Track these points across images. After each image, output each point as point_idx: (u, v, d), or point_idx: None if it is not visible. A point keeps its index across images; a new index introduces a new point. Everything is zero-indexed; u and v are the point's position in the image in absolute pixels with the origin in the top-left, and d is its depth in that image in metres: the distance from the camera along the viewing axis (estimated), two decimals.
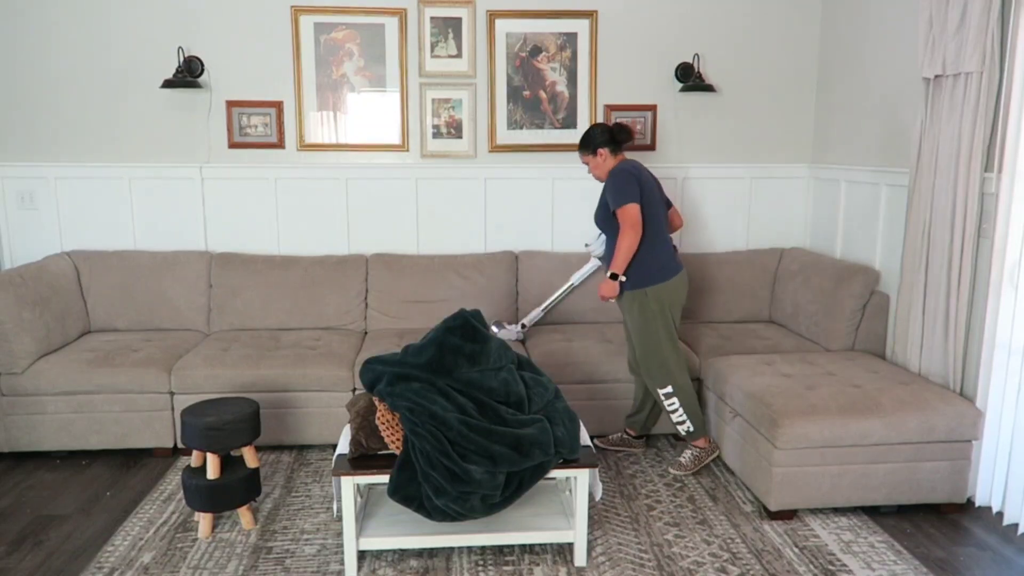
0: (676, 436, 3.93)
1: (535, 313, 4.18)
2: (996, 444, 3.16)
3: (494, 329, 4.02)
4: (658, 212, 3.45)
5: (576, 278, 4.18)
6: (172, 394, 3.66)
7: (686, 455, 3.57)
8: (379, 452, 2.73)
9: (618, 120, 3.62)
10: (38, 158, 4.31)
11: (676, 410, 3.48)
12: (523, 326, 4.11)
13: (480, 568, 2.79)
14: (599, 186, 4.51)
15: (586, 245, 4.03)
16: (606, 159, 3.49)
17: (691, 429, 3.51)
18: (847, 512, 3.17)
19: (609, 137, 3.47)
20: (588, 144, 3.51)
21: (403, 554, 2.86)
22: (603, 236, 3.67)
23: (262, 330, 4.17)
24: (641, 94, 4.52)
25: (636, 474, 3.54)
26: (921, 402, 3.07)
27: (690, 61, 4.46)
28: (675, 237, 3.88)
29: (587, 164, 3.57)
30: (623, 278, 3.39)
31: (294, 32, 4.29)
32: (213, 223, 4.43)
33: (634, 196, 3.31)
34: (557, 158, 4.53)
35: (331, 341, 3.96)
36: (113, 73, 4.26)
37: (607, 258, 3.50)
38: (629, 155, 4.46)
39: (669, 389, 3.46)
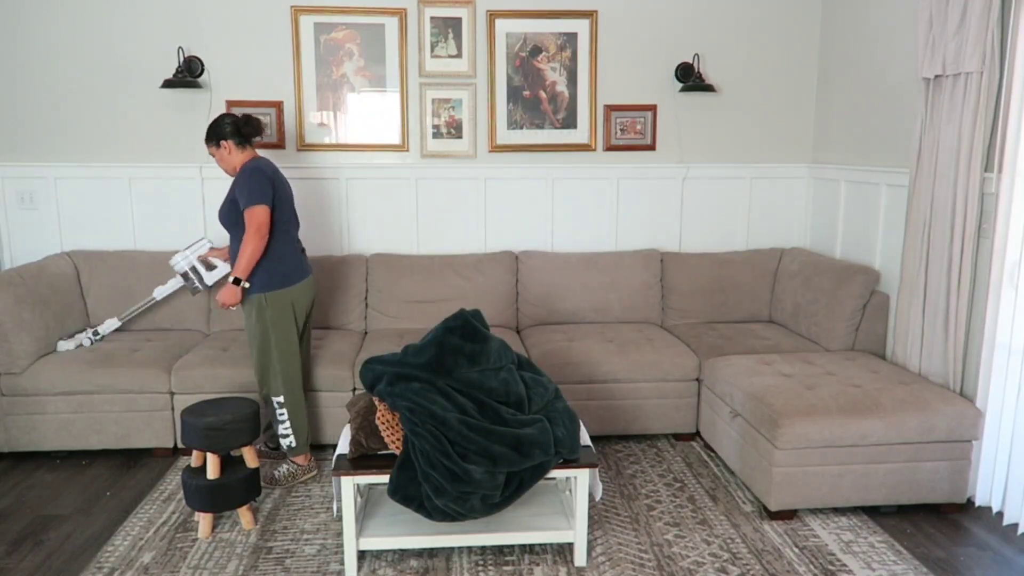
0: (676, 436, 3.94)
1: (111, 322, 3.94)
2: (996, 444, 3.16)
3: (61, 343, 3.81)
4: (290, 216, 3.37)
5: (158, 293, 3.93)
6: (172, 394, 3.66)
7: (282, 469, 3.44)
8: (379, 452, 2.73)
9: (248, 113, 3.45)
10: (38, 158, 4.31)
11: (284, 422, 3.37)
12: (96, 332, 3.89)
13: (480, 568, 2.79)
14: (598, 187, 4.57)
15: (171, 260, 3.74)
16: (231, 152, 3.31)
17: (293, 445, 3.40)
18: (847, 512, 3.17)
19: (235, 129, 3.30)
20: (211, 135, 3.32)
21: (403, 554, 2.86)
22: (192, 247, 3.60)
23: None
24: (641, 94, 4.52)
25: (636, 474, 3.54)
26: (921, 402, 3.07)
27: (690, 61, 4.46)
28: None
29: (213, 157, 3.39)
30: (247, 284, 3.24)
31: (294, 32, 4.29)
32: (213, 223, 4.42)
33: (265, 198, 3.19)
34: (557, 158, 4.53)
35: (331, 341, 3.96)
36: (113, 73, 4.26)
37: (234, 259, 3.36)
38: (621, 155, 4.55)
39: (281, 399, 3.35)
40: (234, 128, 3.31)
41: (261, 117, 4.32)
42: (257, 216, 3.18)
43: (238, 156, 3.34)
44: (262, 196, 3.19)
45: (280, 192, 3.31)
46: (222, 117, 3.35)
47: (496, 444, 2.58)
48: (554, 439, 2.67)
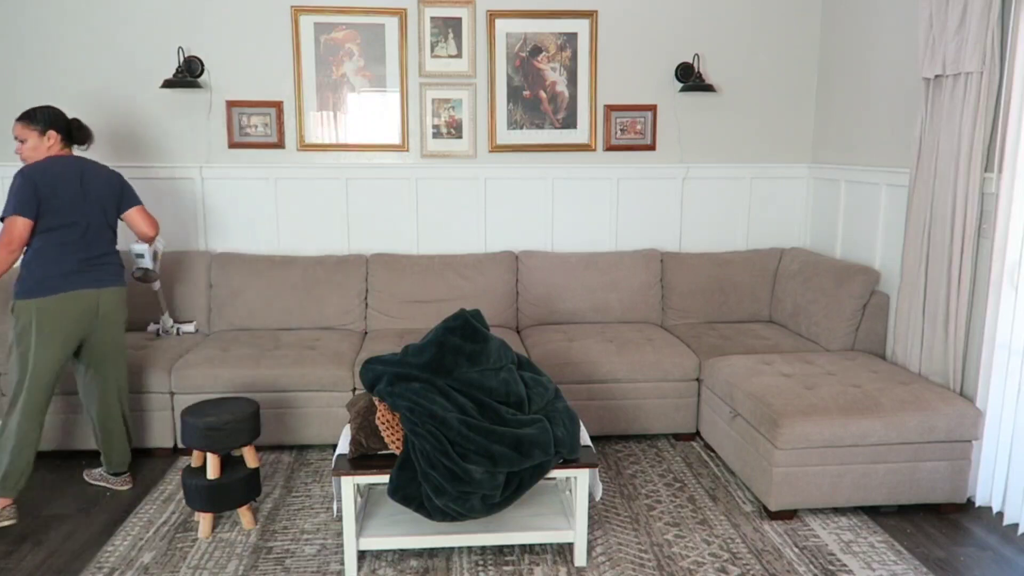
0: (676, 436, 3.94)
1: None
2: (996, 444, 3.16)
3: (165, 318, 4.05)
4: (72, 223, 3.05)
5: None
6: (172, 394, 3.66)
7: None
8: (379, 452, 2.73)
9: (78, 119, 3.21)
10: None
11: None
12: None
13: (480, 568, 2.79)
14: (598, 187, 4.57)
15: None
16: (53, 146, 3.08)
17: None
18: (847, 512, 3.17)
19: (68, 129, 3.11)
20: (37, 120, 3.05)
21: (403, 554, 2.86)
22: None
23: (262, 330, 4.17)
24: (641, 94, 4.52)
25: (636, 474, 3.54)
26: (921, 402, 3.07)
27: (690, 61, 4.46)
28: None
29: (22, 140, 3.07)
30: None
31: (294, 32, 4.29)
32: (213, 223, 4.43)
33: (24, 209, 2.93)
34: (557, 158, 4.53)
35: (331, 341, 3.96)
36: (113, 73, 4.26)
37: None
38: (621, 155, 4.54)
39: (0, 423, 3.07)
40: (67, 127, 3.13)
41: (261, 116, 4.34)
42: (9, 229, 2.94)
43: (55, 152, 3.12)
44: (20, 206, 2.94)
45: (55, 198, 3.01)
46: (58, 110, 3.13)
47: (496, 444, 2.58)
48: (554, 439, 2.67)
